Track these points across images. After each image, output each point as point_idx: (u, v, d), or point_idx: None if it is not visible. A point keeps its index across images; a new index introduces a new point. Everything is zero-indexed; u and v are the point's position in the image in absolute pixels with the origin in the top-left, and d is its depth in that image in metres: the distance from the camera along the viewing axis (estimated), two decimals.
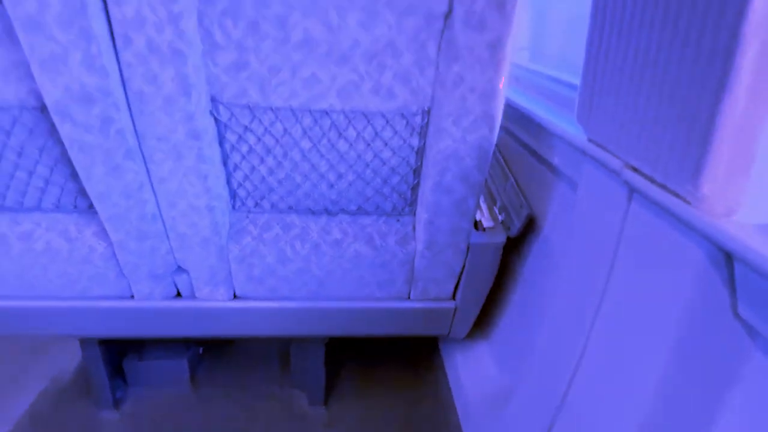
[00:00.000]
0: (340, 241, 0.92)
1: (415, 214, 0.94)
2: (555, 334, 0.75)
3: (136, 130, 0.76)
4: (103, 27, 0.66)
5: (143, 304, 0.97)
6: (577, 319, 0.68)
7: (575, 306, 0.70)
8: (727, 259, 0.45)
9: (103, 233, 0.89)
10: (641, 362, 0.55)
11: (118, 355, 1.22)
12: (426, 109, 0.80)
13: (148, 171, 0.81)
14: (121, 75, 0.71)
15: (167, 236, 0.89)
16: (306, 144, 0.83)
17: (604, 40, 0.59)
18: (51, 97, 0.69)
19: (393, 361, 1.38)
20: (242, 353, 1.39)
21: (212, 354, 1.36)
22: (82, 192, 0.86)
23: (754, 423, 0.46)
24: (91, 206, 0.88)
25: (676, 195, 0.49)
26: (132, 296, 0.98)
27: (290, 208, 0.92)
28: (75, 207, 0.88)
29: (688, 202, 0.47)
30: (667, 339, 0.51)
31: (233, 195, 0.89)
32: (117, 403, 1.20)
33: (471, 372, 1.14)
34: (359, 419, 1.19)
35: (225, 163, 0.85)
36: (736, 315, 0.46)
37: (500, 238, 0.96)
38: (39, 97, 0.74)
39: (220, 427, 1.17)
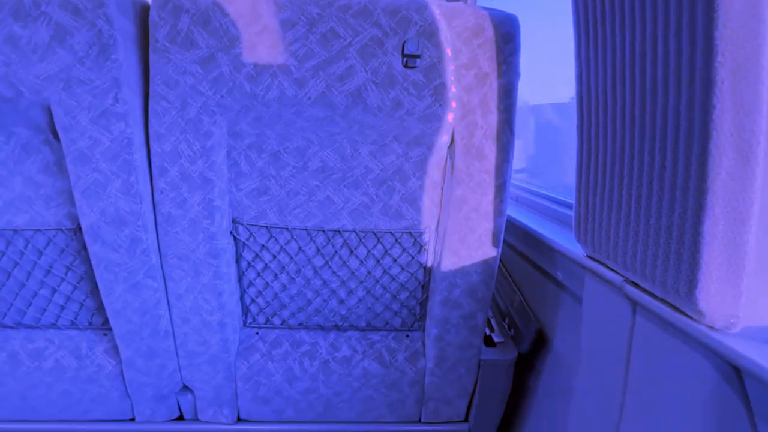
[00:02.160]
0: (349, 358, 0.91)
1: (424, 329, 0.94)
2: None
3: (159, 249, 0.81)
4: (143, 159, 0.75)
5: (144, 426, 0.93)
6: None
7: (593, 427, 0.67)
8: (737, 373, 0.45)
9: (113, 351, 0.89)
10: None
11: None
12: (433, 227, 0.85)
13: (166, 288, 0.84)
14: (153, 200, 0.78)
15: (177, 354, 0.89)
16: (318, 261, 0.87)
17: (592, 164, 0.65)
18: (87, 220, 0.75)
19: None
20: None
21: None
22: (100, 309, 0.88)
23: None
24: (104, 323, 0.90)
25: (678, 310, 0.50)
26: (133, 418, 0.94)
27: (300, 324, 0.93)
28: (90, 324, 0.90)
29: (690, 317, 0.48)
30: None
31: (245, 311, 0.91)
32: None
33: None
34: None
35: (240, 280, 0.88)
36: (755, 430, 0.45)
37: (511, 354, 0.95)
38: (75, 219, 0.80)
39: None
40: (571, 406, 0.78)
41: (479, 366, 0.93)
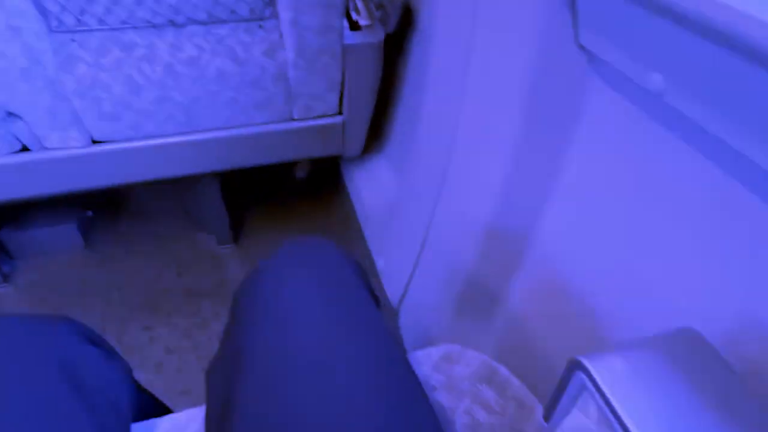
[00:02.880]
0: (197, 58, 0.80)
1: (278, 16, 0.82)
2: (432, 119, 0.73)
3: None
4: None
5: None
6: (450, 95, 0.65)
7: (444, 86, 0.67)
8: None
9: None
10: (503, 119, 0.55)
11: None
12: None
13: None
14: None
15: None
16: None
17: None
18: None
19: (297, 190, 1.37)
20: (138, 206, 1.31)
21: (103, 213, 1.27)
22: None
23: (595, 146, 0.47)
24: None
25: None
26: None
27: (124, 23, 0.77)
28: None
29: None
30: (523, 84, 0.50)
31: (42, 11, 0.72)
32: (6, 277, 1.13)
33: (371, 187, 1.15)
34: (271, 248, 1.21)
35: None
36: (579, 45, 0.44)
37: (378, 36, 0.88)
38: None
39: (128, 276, 1.14)
40: (430, 83, 0.77)
41: (344, 52, 0.86)
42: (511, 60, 0.51)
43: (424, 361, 0.50)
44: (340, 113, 0.98)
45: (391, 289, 0.95)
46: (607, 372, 0.24)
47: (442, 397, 0.47)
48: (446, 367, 0.50)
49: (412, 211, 0.84)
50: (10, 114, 0.80)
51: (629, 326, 0.44)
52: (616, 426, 0.22)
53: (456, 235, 0.71)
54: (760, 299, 0.32)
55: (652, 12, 0.32)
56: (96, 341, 0.47)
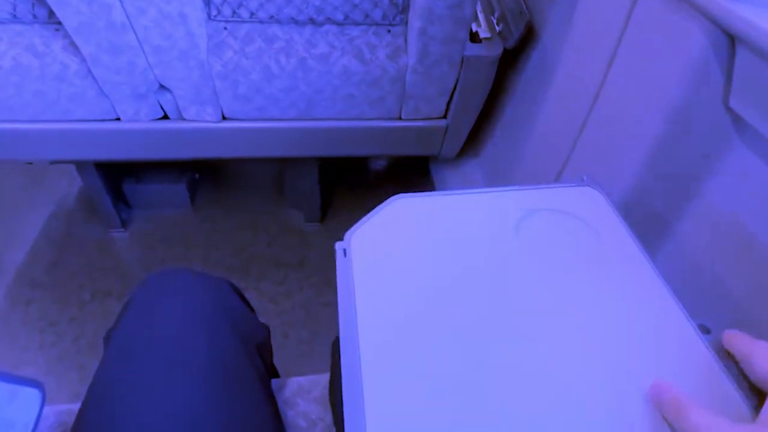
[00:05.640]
0: (328, 55, 0.87)
1: (407, 23, 0.87)
2: (543, 140, 0.76)
3: None
4: None
5: (130, 125, 0.96)
6: (568, 119, 0.68)
7: (568, 105, 0.69)
8: (730, 44, 0.43)
9: (72, 48, 0.83)
10: (625, 157, 0.57)
11: (117, 180, 1.25)
12: None
13: None
14: None
15: (142, 50, 0.83)
16: None
17: None
18: None
19: (385, 182, 1.44)
20: (239, 177, 1.42)
21: (209, 179, 1.40)
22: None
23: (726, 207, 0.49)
24: (51, 16, 0.80)
25: None
26: (118, 118, 0.96)
27: (272, 17, 0.85)
28: (35, 17, 0.80)
29: None
30: (655, 125, 0.52)
31: (207, 1, 0.81)
32: (124, 224, 1.27)
33: (459, 186, 1.19)
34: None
35: None
36: (727, 107, 0.46)
37: (497, 50, 0.91)
38: None
39: (224, 239, 1.26)
40: (549, 92, 0.80)
41: (462, 62, 0.90)
42: (649, 100, 0.53)
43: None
44: (444, 117, 1.03)
45: None
46: None
47: None
48: None
49: None
50: (161, 87, 0.91)
51: None
52: None
53: None
54: None
55: None
56: (245, 300, 0.55)
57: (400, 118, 1.01)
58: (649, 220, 0.57)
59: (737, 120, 0.45)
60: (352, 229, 0.42)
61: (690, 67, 0.47)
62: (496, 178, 1.09)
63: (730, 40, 0.43)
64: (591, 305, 0.35)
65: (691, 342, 0.33)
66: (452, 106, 0.99)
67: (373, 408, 0.29)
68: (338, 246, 0.41)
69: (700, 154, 0.50)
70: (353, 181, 1.43)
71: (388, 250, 0.40)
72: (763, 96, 0.40)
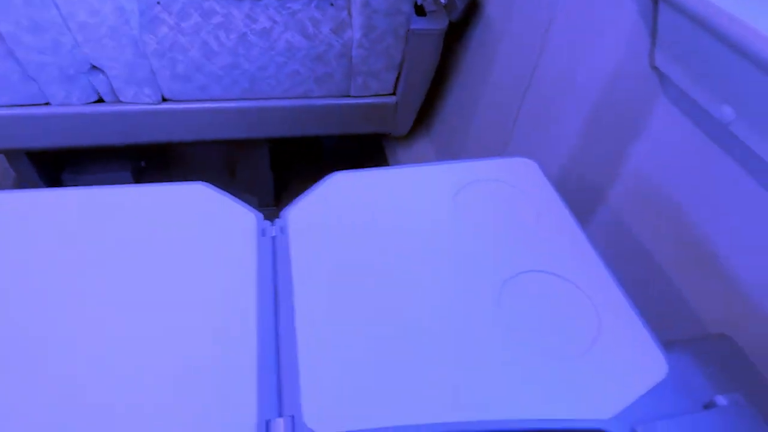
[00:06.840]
0: (269, 30, 0.84)
1: None
2: (490, 112, 0.77)
3: None
4: None
5: (61, 110, 0.90)
6: (512, 89, 0.69)
7: (511, 75, 0.70)
8: (654, 5, 0.44)
9: None
10: (566, 119, 0.59)
11: (55, 170, 1.18)
12: None
13: None
14: None
15: (68, 27, 0.78)
16: None
17: None
18: None
19: (340, 163, 1.42)
20: (188, 163, 1.37)
21: (155, 165, 1.34)
22: None
23: (656, 156, 0.51)
24: None
25: None
26: (47, 103, 0.90)
27: None
28: None
29: None
30: (590, 88, 0.53)
31: None
32: None
33: (412, 163, 1.19)
34: None
35: None
36: (653, 67, 0.47)
37: (442, 23, 0.91)
38: None
39: None
40: (493, 74, 0.80)
41: (408, 36, 0.89)
42: (583, 65, 0.54)
43: None
44: (393, 93, 1.02)
45: None
46: None
47: None
48: None
49: None
50: (93, 67, 0.85)
51: None
52: None
53: None
54: None
55: (726, 46, 0.35)
56: None
57: (348, 96, 0.99)
58: (585, 188, 0.59)
59: (662, 79, 0.47)
60: (289, 206, 0.43)
61: (621, 32, 0.48)
62: (448, 154, 1.10)
63: (654, 2, 0.44)
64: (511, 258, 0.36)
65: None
66: (401, 82, 0.99)
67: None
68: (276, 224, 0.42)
69: (629, 118, 0.51)
70: (307, 163, 1.40)
71: (325, 224, 0.40)
72: (683, 49, 0.41)
